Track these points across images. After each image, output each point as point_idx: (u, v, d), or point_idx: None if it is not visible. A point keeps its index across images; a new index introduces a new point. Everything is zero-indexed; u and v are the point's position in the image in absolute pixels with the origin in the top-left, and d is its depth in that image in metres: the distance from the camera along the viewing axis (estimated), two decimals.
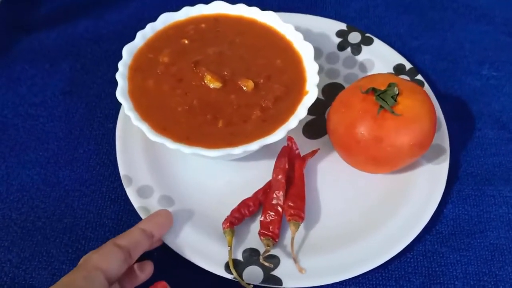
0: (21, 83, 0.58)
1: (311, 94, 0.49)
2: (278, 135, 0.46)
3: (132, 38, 0.60)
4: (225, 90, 0.49)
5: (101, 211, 0.49)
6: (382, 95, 0.45)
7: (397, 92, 0.46)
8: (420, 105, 0.46)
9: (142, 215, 0.47)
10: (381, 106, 0.45)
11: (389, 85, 0.46)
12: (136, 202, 0.48)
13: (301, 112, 0.48)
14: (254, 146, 0.46)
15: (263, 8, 0.55)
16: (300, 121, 0.47)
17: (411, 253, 0.48)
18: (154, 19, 0.58)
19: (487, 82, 0.59)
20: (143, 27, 0.53)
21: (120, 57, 0.59)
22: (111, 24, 0.62)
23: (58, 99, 0.56)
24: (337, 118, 0.48)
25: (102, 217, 0.49)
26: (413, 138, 0.46)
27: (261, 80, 0.50)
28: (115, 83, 0.57)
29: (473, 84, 0.58)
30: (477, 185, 0.52)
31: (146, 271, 0.44)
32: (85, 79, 0.58)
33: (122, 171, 0.50)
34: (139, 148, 0.51)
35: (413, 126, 0.46)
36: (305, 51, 0.51)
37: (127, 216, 0.49)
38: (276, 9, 0.56)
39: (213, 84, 0.49)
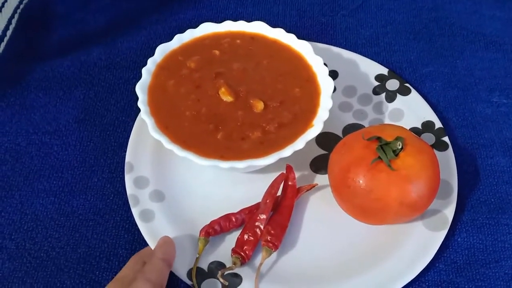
0: (34, 111, 0.58)
1: (315, 128, 0.49)
2: (268, 160, 0.47)
3: (143, 66, 0.61)
4: (235, 105, 0.51)
5: (115, 241, 0.49)
6: (384, 147, 0.45)
7: (399, 147, 0.45)
8: (421, 166, 0.45)
9: (132, 203, 0.49)
10: (379, 157, 0.45)
11: (396, 138, 0.45)
12: (129, 189, 0.50)
13: (298, 143, 0.48)
14: (242, 164, 0.46)
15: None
16: (310, 154, 0.48)
17: (426, 283, 0.47)
18: None
19: (498, 109, 0.59)
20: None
21: (132, 85, 0.59)
22: (123, 52, 0.63)
23: (72, 127, 0.57)
24: (336, 159, 0.48)
25: (116, 247, 0.49)
26: (403, 197, 0.44)
27: (273, 104, 0.51)
28: (127, 111, 0.58)
29: (483, 112, 0.59)
30: (491, 214, 0.51)
31: None
32: (99, 107, 0.58)
33: (127, 157, 0.52)
34: (150, 143, 0.52)
35: (406, 184, 0.44)
36: (326, 86, 0.52)
37: (141, 247, 0.49)
38: None
39: (226, 97, 0.51)
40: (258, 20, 0.66)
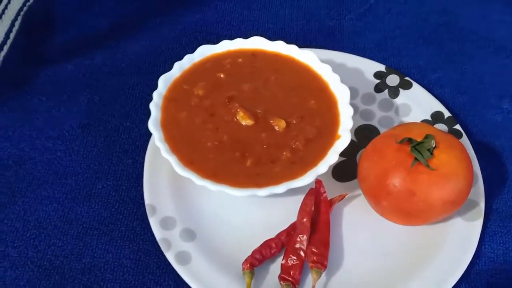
0: (38, 115, 0.57)
1: (344, 139, 0.48)
2: (306, 180, 0.46)
3: (149, 71, 0.61)
4: (256, 128, 0.49)
5: (120, 251, 0.48)
6: (418, 147, 0.44)
7: (434, 145, 0.44)
8: (457, 161, 0.45)
9: (164, 247, 0.47)
10: (416, 159, 0.44)
11: (426, 137, 0.45)
12: (158, 233, 0.47)
13: (331, 157, 0.47)
14: (281, 188, 0.45)
15: (278, 39, 0.55)
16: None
17: None
18: (171, 50, 0.58)
19: (508, 116, 0.58)
20: (160, 61, 0.52)
21: (138, 90, 0.59)
22: (128, 57, 0.62)
23: (76, 133, 0.56)
24: (369, 166, 0.47)
25: (121, 257, 0.48)
26: (446, 195, 0.44)
27: (294, 120, 0.50)
28: (132, 117, 0.57)
29: (493, 118, 0.58)
30: (503, 222, 0.51)
31: None
32: (103, 112, 0.57)
33: (147, 200, 0.49)
34: (166, 179, 0.51)
35: (448, 182, 0.44)
36: (341, 94, 0.51)
37: (145, 257, 0.48)
38: (294, 41, 0.56)
39: (245, 121, 0.49)
40: (265, 24, 0.66)
